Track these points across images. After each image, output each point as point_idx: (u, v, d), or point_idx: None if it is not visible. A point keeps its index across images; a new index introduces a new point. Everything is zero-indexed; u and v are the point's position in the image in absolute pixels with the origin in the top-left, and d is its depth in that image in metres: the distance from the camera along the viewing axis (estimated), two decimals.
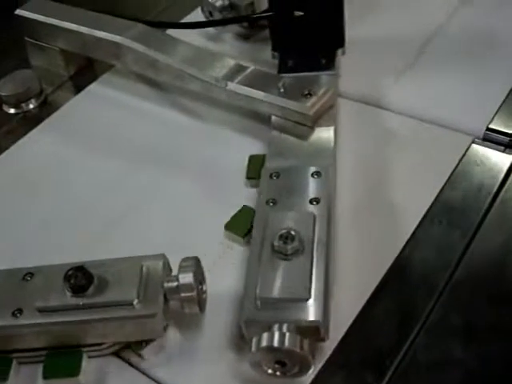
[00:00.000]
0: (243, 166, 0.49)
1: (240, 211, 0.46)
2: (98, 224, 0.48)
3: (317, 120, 0.48)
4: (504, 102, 0.52)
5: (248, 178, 0.49)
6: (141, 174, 0.52)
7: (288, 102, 0.49)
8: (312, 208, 0.42)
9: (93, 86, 0.62)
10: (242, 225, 0.45)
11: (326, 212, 0.41)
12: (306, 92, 0.49)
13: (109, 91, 0.61)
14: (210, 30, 0.63)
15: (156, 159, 0.53)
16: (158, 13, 0.69)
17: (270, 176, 0.45)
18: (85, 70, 0.65)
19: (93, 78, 0.64)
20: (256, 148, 0.51)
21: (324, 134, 0.48)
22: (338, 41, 0.54)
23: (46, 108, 0.62)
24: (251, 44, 0.62)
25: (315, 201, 0.42)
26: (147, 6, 0.72)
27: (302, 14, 0.52)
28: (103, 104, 0.60)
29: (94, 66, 0.65)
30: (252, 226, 0.43)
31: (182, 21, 0.65)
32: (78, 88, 0.63)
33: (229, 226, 0.45)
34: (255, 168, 0.48)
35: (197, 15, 0.63)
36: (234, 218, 0.46)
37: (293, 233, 0.39)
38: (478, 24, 0.60)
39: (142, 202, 0.49)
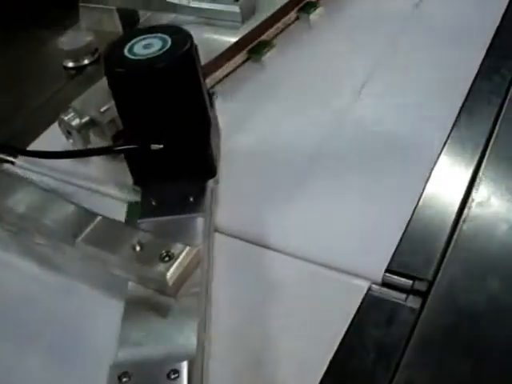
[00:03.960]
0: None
1: None
2: None
3: (178, 288, 0.40)
4: (405, 232, 0.45)
5: None
6: None
7: (142, 268, 0.40)
8: None
9: None
10: None
11: None
12: (164, 254, 0.40)
13: None
14: None
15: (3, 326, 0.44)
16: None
17: (119, 378, 0.36)
18: None
19: None
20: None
21: (188, 304, 0.40)
22: (208, 171, 0.46)
23: None
24: (118, 162, 0.53)
25: None
26: None
27: (161, 146, 0.44)
28: None
29: None
30: None
31: (39, 138, 0.57)
32: None
33: None
34: None
35: (54, 131, 0.54)
36: None
37: None
38: (362, 131, 0.53)
39: None
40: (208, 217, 0.45)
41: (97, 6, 0.68)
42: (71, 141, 0.54)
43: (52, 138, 0.56)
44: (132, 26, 0.69)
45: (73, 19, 0.70)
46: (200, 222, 0.44)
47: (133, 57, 0.42)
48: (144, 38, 0.43)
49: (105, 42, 0.67)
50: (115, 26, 0.69)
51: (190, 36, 0.43)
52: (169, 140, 0.44)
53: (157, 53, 0.42)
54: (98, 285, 0.45)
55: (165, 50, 0.42)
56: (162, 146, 0.44)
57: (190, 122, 0.45)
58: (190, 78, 0.44)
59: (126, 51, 0.43)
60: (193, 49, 0.43)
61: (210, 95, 0.48)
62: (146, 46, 0.43)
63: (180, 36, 0.43)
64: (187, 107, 0.44)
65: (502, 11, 0.63)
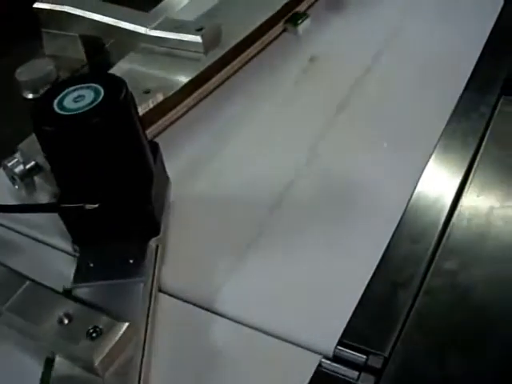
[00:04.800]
0: None
1: None
2: None
3: (107, 367, 0.37)
4: (361, 300, 0.41)
5: None
6: None
7: (67, 345, 0.37)
8: None
9: None
10: None
11: None
12: (92, 329, 0.37)
13: None
14: None
15: None
16: None
17: None
18: None
19: None
20: None
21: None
22: (150, 230, 0.42)
23: None
24: None
25: None
26: None
27: (95, 206, 0.40)
28: None
29: None
30: None
31: None
32: None
33: None
34: None
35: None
36: None
37: None
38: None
39: None
40: (149, 281, 0.41)
41: (58, 32, 0.64)
42: (16, 186, 0.50)
43: (2, 181, 0.52)
44: (96, 53, 0.66)
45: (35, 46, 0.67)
46: (139, 288, 0.41)
47: (63, 112, 0.39)
48: (75, 90, 0.40)
49: (68, 70, 0.64)
50: (79, 53, 0.65)
51: (124, 84, 0.40)
52: (107, 197, 0.41)
53: (88, 106, 0.39)
54: (28, 353, 0.41)
55: (97, 102, 0.39)
56: (96, 206, 0.40)
57: (128, 178, 0.41)
58: (126, 132, 0.40)
59: (55, 105, 0.39)
60: (128, 99, 0.39)
61: (155, 144, 0.45)
62: (76, 99, 0.39)
63: (113, 85, 0.40)
64: (124, 162, 0.41)
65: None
